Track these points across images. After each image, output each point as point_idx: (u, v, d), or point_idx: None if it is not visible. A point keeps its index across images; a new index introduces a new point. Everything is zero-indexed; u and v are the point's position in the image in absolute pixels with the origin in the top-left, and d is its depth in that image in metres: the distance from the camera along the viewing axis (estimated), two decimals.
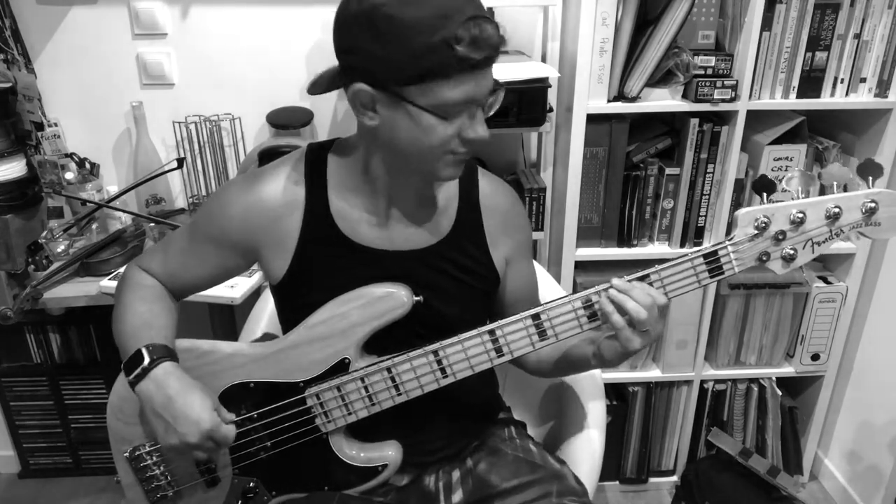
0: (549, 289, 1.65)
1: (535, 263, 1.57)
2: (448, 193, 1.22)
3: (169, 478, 1.24)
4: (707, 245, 1.12)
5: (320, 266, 1.17)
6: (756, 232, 1.09)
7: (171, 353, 1.14)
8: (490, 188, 1.25)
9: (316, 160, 1.18)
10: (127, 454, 1.23)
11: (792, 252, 1.10)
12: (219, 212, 1.19)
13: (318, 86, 1.08)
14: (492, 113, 1.06)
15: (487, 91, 1.01)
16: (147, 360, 1.11)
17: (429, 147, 1.03)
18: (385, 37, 0.94)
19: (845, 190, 1.09)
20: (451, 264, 1.21)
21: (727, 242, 1.10)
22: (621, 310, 1.09)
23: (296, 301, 1.20)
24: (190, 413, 1.08)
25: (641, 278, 1.11)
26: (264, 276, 1.24)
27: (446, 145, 1.03)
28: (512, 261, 1.28)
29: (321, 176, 1.17)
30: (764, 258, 1.11)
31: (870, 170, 1.08)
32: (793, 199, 1.09)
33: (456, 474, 1.30)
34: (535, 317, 1.12)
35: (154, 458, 1.23)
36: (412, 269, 1.18)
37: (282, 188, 1.17)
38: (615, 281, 1.10)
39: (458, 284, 1.22)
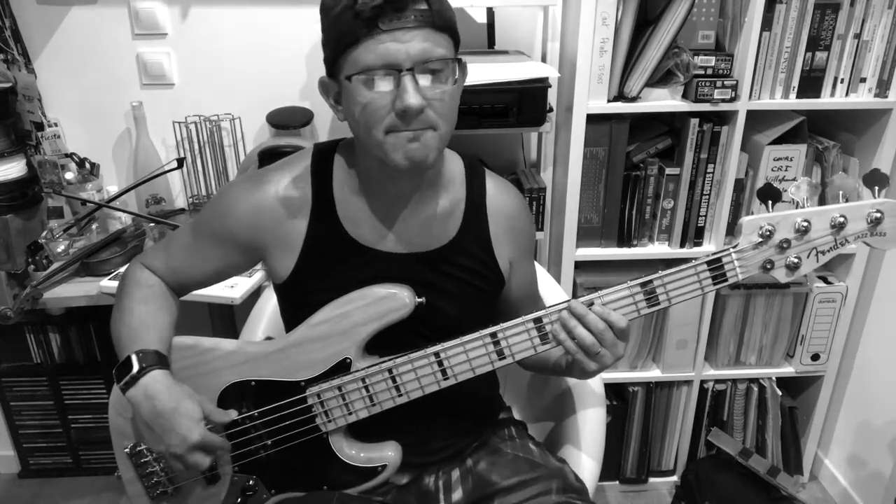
0: (549, 289, 1.65)
1: (536, 264, 1.57)
2: (455, 196, 1.21)
3: (168, 474, 1.24)
4: (708, 248, 1.11)
5: (325, 266, 1.18)
6: (760, 240, 1.09)
7: (161, 359, 1.14)
8: (497, 191, 1.25)
9: (322, 160, 1.19)
10: (128, 450, 1.24)
11: (796, 261, 1.09)
12: (225, 211, 1.19)
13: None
14: (448, 85, 1.03)
15: (411, 56, 0.98)
16: (136, 368, 1.11)
17: (367, 124, 1.02)
18: (322, 25, 1.04)
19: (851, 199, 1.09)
20: (456, 267, 1.21)
21: (731, 250, 1.10)
22: (572, 335, 1.09)
23: (300, 300, 1.20)
24: (177, 426, 1.09)
25: (644, 284, 1.11)
26: (268, 274, 1.25)
27: (381, 120, 1.01)
28: (515, 263, 1.28)
29: (327, 176, 1.18)
30: (768, 266, 1.10)
31: (876, 180, 1.08)
32: (798, 207, 1.09)
33: (455, 473, 1.30)
34: (537, 320, 1.12)
35: (154, 455, 1.23)
36: (416, 272, 1.18)
37: (289, 188, 1.17)
38: (572, 303, 1.10)
39: (462, 287, 1.22)
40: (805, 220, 1.07)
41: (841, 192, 1.09)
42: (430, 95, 1.01)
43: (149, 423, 1.10)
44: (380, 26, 0.96)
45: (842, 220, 1.07)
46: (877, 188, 1.08)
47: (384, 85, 1.00)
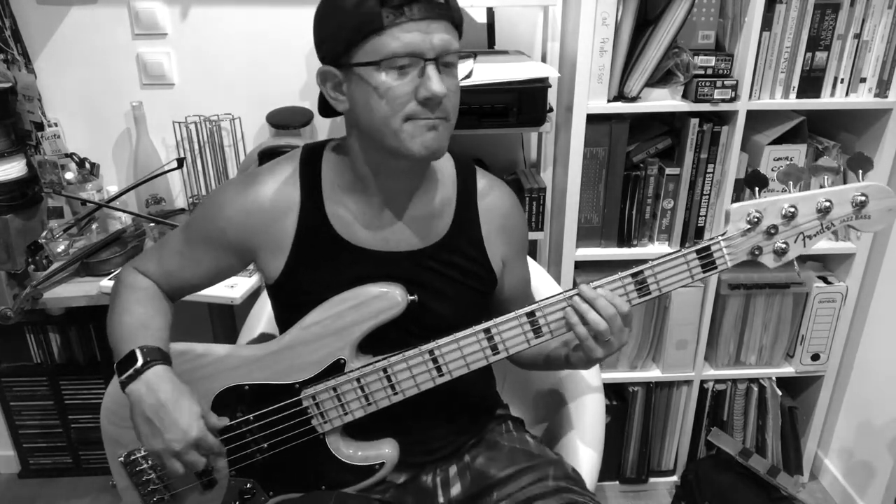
0: (549, 289, 1.65)
1: (535, 264, 1.57)
2: (446, 194, 1.22)
3: (165, 481, 1.24)
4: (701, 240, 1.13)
5: (316, 266, 1.18)
6: (748, 226, 1.10)
7: (164, 356, 1.14)
8: (488, 189, 1.25)
9: (311, 161, 1.19)
10: (122, 458, 1.23)
11: (784, 246, 1.11)
12: (215, 213, 1.19)
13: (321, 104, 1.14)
14: (463, 78, 1.06)
15: (434, 46, 1.00)
16: (140, 361, 1.11)
17: (386, 113, 1.03)
18: (329, 13, 1.04)
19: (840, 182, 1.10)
20: (448, 266, 1.21)
21: (719, 237, 1.11)
22: (584, 320, 1.10)
23: (291, 301, 1.20)
24: (179, 420, 1.08)
25: (635, 274, 1.11)
26: (261, 276, 1.24)
27: (402, 107, 1.02)
28: (508, 261, 1.28)
29: (316, 176, 1.18)
30: (756, 252, 1.12)
31: (860, 163, 1.10)
32: (785, 193, 1.10)
33: (453, 469, 1.30)
34: (530, 314, 1.12)
35: (150, 462, 1.23)
36: (408, 270, 1.18)
37: (277, 189, 1.17)
38: (582, 287, 1.11)
39: (455, 285, 1.22)
40: (792, 206, 1.09)
41: (826, 177, 1.10)
42: (447, 87, 1.02)
43: (149, 417, 1.09)
44: (407, 15, 0.97)
45: (827, 204, 1.09)
46: (861, 171, 1.10)
47: (407, 73, 1.01)
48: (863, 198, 1.09)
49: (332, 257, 1.17)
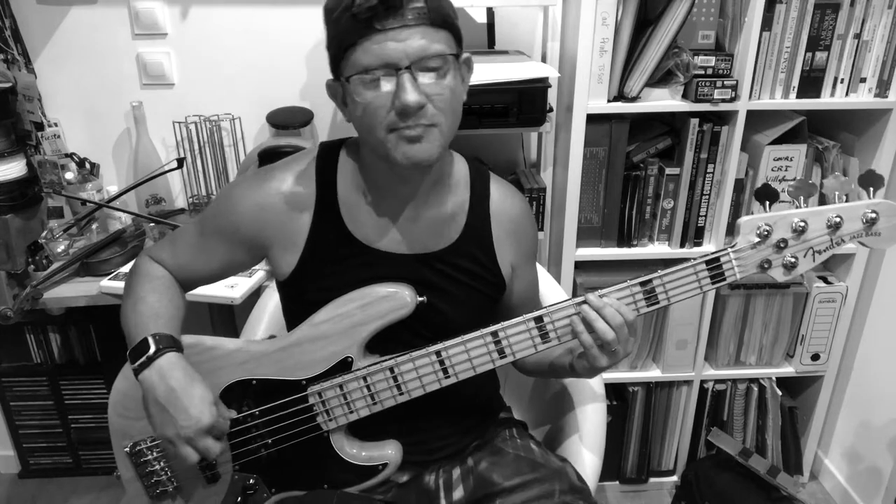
0: (550, 289, 1.65)
1: (536, 264, 1.57)
2: (459, 199, 1.22)
3: (169, 473, 1.24)
4: (708, 248, 1.12)
5: (328, 265, 1.18)
6: (758, 240, 1.10)
7: (177, 343, 1.15)
8: (501, 195, 1.25)
9: (327, 159, 1.19)
10: (127, 449, 1.24)
11: (793, 260, 1.11)
12: (229, 208, 1.19)
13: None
14: (449, 80, 1.03)
15: (409, 54, 0.98)
16: (153, 348, 1.11)
17: (369, 124, 1.03)
18: (325, 27, 1.04)
19: (847, 200, 1.10)
20: (458, 269, 1.21)
21: (729, 249, 1.11)
22: (591, 328, 1.10)
23: (302, 298, 1.20)
24: (190, 406, 1.08)
25: (644, 283, 1.11)
26: (272, 272, 1.25)
27: (383, 119, 1.02)
28: (518, 267, 1.28)
29: (332, 175, 1.18)
30: (766, 265, 1.12)
31: (871, 180, 1.10)
32: (795, 207, 1.10)
33: (456, 472, 1.30)
34: (538, 319, 1.12)
35: (155, 454, 1.23)
36: (418, 272, 1.18)
37: (293, 186, 1.18)
38: (589, 297, 1.10)
39: (464, 289, 1.22)
40: (802, 221, 1.09)
41: (837, 192, 1.10)
42: (431, 92, 1.01)
43: (162, 404, 1.09)
44: (376, 27, 0.97)
45: (838, 220, 1.09)
46: (871, 188, 1.10)
47: (384, 84, 1.00)
48: (873, 215, 1.09)
49: (345, 257, 1.17)
